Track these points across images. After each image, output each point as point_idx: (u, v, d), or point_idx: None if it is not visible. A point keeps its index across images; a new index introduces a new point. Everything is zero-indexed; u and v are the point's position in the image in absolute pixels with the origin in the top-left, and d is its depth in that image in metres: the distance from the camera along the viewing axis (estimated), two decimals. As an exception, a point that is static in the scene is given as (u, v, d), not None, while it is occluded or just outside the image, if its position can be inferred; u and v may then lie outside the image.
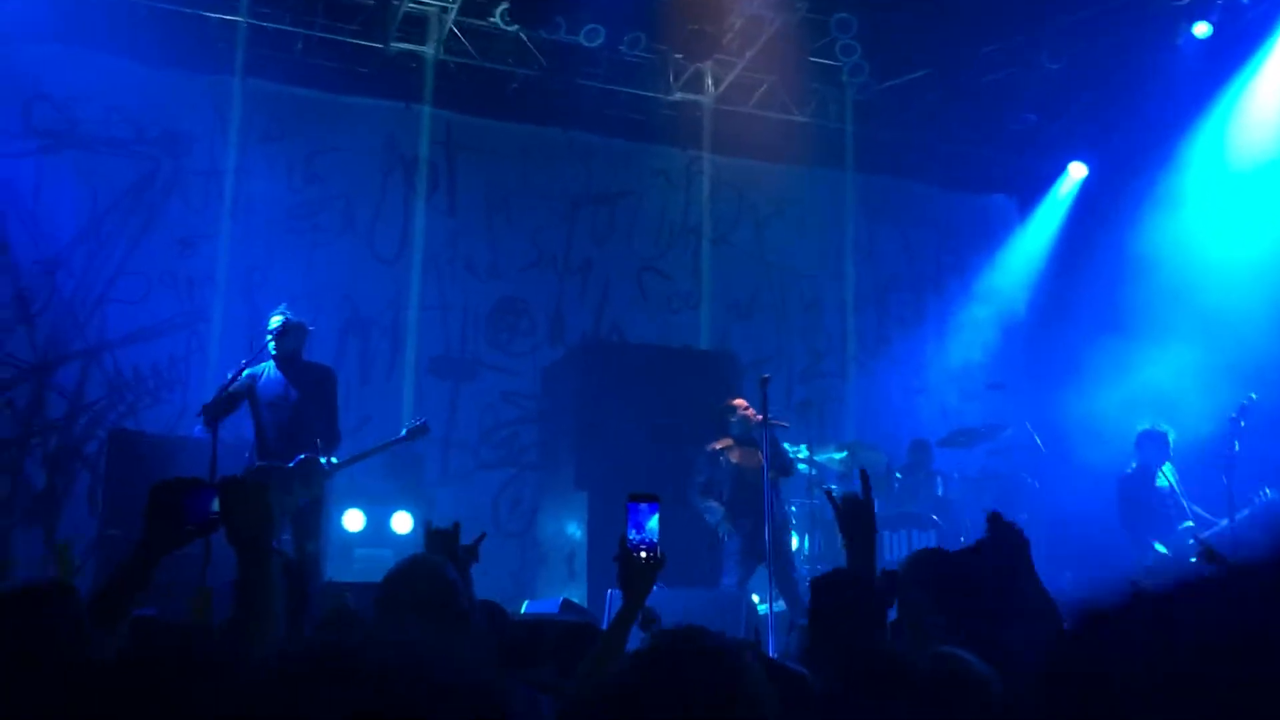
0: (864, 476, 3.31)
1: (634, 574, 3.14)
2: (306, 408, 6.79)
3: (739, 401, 8.22)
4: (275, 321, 6.87)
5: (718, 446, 8.08)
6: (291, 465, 6.56)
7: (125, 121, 9.22)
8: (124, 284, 9.08)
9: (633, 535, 3.15)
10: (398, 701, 0.91)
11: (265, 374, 6.88)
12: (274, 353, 6.84)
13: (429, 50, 9.72)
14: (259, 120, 9.60)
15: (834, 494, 3.31)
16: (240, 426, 7.08)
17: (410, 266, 10.03)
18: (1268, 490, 7.77)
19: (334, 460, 6.75)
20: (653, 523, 3.17)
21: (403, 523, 8.74)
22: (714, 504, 7.92)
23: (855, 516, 3.21)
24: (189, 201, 9.35)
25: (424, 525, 4.05)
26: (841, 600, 3.22)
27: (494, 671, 3.23)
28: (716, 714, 1.42)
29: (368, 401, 9.63)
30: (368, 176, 10.00)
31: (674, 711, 1.46)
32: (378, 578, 6.64)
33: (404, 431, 7.16)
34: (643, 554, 3.14)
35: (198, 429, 7.23)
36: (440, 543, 3.90)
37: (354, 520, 8.68)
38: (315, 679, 0.93)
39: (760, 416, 7.38)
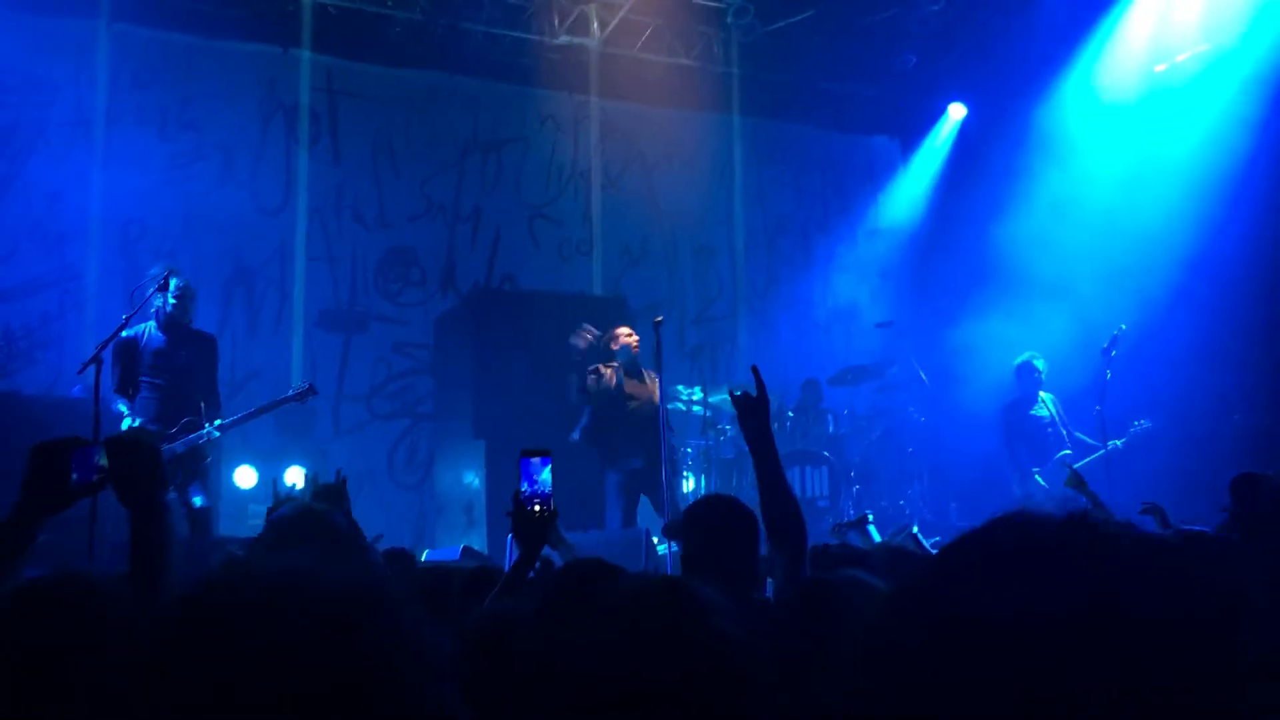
0: (755, 371, 3.43)
1: (528, 526, 3.20)
2: (192, 373, 6.59)
3: (621, 329, 8.09)
4: (172, 282, 6.56)
5: (600, 367, 7.97)
6: (174, 431, 6.38)
7: (-18, 69, 8.76)
8: (-11, 240, 8.68)
9: (525, 488, 3.22)
10: (290, 619, 0.91)
11: (147, 334, 6.62)
12: (161, 314, 6.56)
13: (306, -8, 9.43)
14: (128, 67, 9.21)
15: (734, 393, 3.42)
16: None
17: (295, 217, 9.79)
18: (1143, 421, 8.16)
19: (218, 423, 6.57)
20: (545, 476, 3.24)
21: (296, 478, 8.62)
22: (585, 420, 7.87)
23: (749, 411, 3.31)
24: (55, 153, 8.93)
25: (310, 480, 4.02)
26: (712, 516, 3.35)
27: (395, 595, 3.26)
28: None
29: (255, 355, 9.42)
30: (247, 124, 9.68)
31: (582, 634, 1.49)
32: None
33: (290, 392, 6.96)
34: (536, 507, 3.20)
35: (77, 389, 7.00)
36: (328, 497, 3.89)
37: (246, 477, 8.53)
38: (217, 618, 0.93)
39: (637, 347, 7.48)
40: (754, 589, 3.33)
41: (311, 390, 6.93)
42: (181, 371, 6.54)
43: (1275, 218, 7.94)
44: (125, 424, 6.30)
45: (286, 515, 3.22)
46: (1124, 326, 8.21)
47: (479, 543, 7.73)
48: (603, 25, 10.44)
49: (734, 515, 3.36)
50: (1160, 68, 9.41)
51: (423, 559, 6.53)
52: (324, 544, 3.09)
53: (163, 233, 8.93)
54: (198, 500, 6.38)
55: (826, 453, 9.41)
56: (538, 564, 3.32)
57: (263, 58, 9.76)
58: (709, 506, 3.57)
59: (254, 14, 9.43)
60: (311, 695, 0.88)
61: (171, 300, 6.52)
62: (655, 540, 7.66)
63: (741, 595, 3.08)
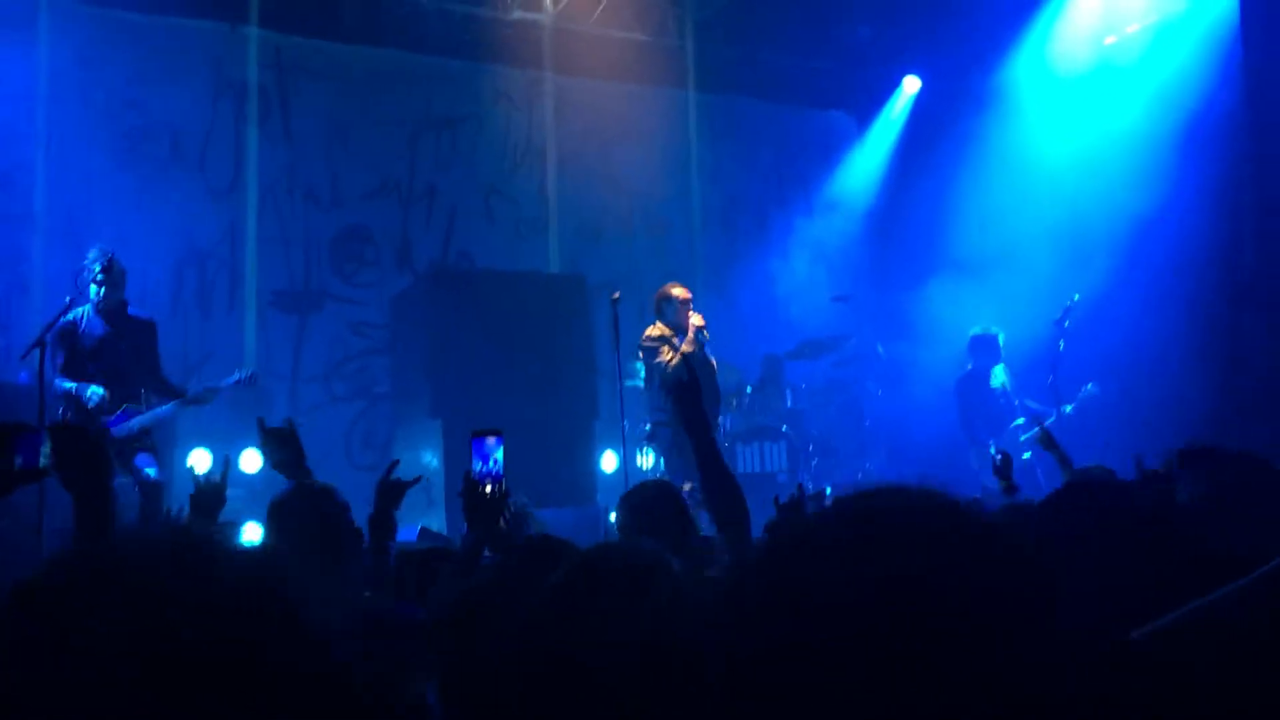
0: (684, 357, 3.50)
1: (479, 506, 3.18)
2: (131, 357, 6.49)
3: (677, 290, 7.92)
4: (97, 265, 6.45)
5: (666, 333, 7.72)
6: (116, 415, 6.29)
7: (-83, 48, 8.55)
8: (-70, 224, 8.49)
9: (478, 468, 3.19)
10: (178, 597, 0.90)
11: (86, 319, 6.52)
12: (96, 299, 6.46)
13: (253, -32, 9.26)
14: (73, 44, 8.99)
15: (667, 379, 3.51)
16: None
17: (246, 197, 9.66)
18: (1090, 385, 8.27)
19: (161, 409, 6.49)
20: (497, 455, 3.21)
21: (252, 461, 8.53)
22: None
23: (681, 394, 3.31)
24: (-2, 134, 8.74)
25: (257, 422, 3.94)
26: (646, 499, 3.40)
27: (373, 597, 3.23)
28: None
29: (209, 337, 9.31)
30: (195, 104, 9.51)
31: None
32: (227, 518, 6.49)
33: (229, 381, 6.85)
34: (488, 486, 3.18)
35: (23, 374, 6.89)
36: (280, 442, 3.81)
37: (200, 460, 8.43)
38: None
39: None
40: (691, 565, 3.38)
41: (253, 379, 6.85)
42: (121, 356, 6.44)
43: (1221, 186, 8.04)
44: (92, 391, 6.19)
45: (286, 499, 3.21)
46: (1077, 297, 8.29)
47: (438, 523, 7.71)
48: (555, 1, 10.35)
49: (663, 498, 3.48)
50: (1110, 40, 9.48)
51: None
52: (320, 534, 3.09)
53: (111, 215, 8.75)
54: (151, 471, 6.30)
55: (785, 427, 9.46)
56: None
57: (210, 34, 9.59)
58: (640, 491, 3.71)
59: (200, -10, 9.26)
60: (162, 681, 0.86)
61: (101, 284, 6.41)
62: (614, 517, 7.66)
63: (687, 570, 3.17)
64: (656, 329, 7.81)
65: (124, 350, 6.47)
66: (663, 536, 3.25)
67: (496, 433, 3.23)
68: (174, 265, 9.27)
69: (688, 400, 3.29)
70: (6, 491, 2.48)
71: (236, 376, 6.85)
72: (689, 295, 7.86)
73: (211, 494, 3.55)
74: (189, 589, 0.89)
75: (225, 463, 3.57)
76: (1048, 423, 7.09)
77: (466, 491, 3.21)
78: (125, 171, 9.06)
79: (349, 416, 9.88)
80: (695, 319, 7.67)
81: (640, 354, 7.84)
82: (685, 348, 7.54)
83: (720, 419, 8.82)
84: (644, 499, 3.53)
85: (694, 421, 3.26)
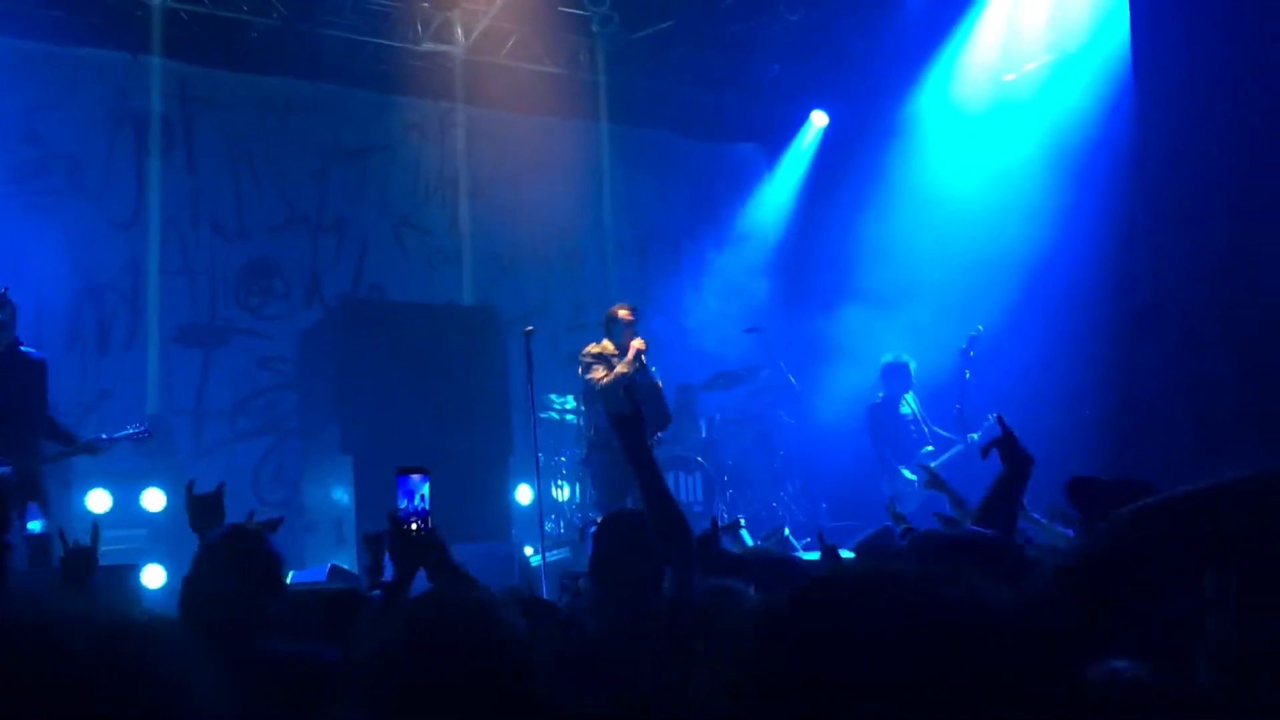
0: (628, 391, 3.49)
1: (405, 546, 3.12)
2: (19, 397, 6.26)
3: (622, 311, 7.95)
4: None
5: (607, 350, 7.77)
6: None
7: None
8: None
9: (404, 505, 3.14)
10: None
11: None
12: None
13: (155, -3, 9.08)
14: (-36, 73, 8.73)
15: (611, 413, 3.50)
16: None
17: (148, 229, 9.42)
18: (993, 415, 8.44)
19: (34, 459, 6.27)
20: (424, 493, 3.17)
21: (155, 500, 8.29)
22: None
23: (625, 426, 3.37)
24: (-116, 164, 8.42)
25: (185, 488, 3.87)
26: (618, 536, 3.39)
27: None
28: (475, 662, 1.48)
29: (106, 374, 9.04)
30: (94, 134, 9.29)
31: (437, 664, 1.50)
32: (128, 560, 6.29)
33: (123, 434, 6.66)
34: (414, 525, 3.13)
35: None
36: (205, 509, 3.75)
37: (99, 501, 8.16)
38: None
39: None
40: (656, 593, 3.38)
41: (148, 433, 6.69)
42: (10, 395, 6.20)
43: (1116, 218, 8.31)
44: None
45: (223, 539, 3.14)
46: (981, 327, 8.49)
47: (348, 561, 7.55)
48: (467, 32, 10.34)
49: (630, 529, 3.43)
50: (1010, 76, 9.77)
51: (289, 580, 6.35)
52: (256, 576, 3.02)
53: (3, 249, 8.47)
54: (35, 525, 6.06)
55: (700, 458, 9.49)
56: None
57: (110, 65, 9.37)
58: (610, 523, 3.65)
59: (100, 19, 9.04)
60: None
61: None
62: (529, 551, 7.60)
63: (641, 600, 3.22)
64: (597, 346, 7.88)
65: (13, 390, 6.23)
66: (629, 565, 3.30)
67: (422, 470, 3.18)
68: (71, 299, 8.99)
69: (629, 431, 3.34)
70: None
71: (130, 430, 6.67)
72: (632, 317, 7.91)
73: (81, 561, 3.38)
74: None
75: (94, 528, 3.43)
76: (938, 461, 7.27)
77: (393, 530, 3.15)
78: (20, 203, 8.79)
79: (257, 453, 9.66)
80: (636, 342, 7.72)
81: (579, 368, 7.87)
82: (621, 367, 7.58)
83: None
84: (612, 529, 3.47)
85: (636, 452, 3.32)
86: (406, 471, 3.18)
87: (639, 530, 3.38)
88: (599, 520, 3.69)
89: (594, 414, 7.89)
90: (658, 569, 3.33)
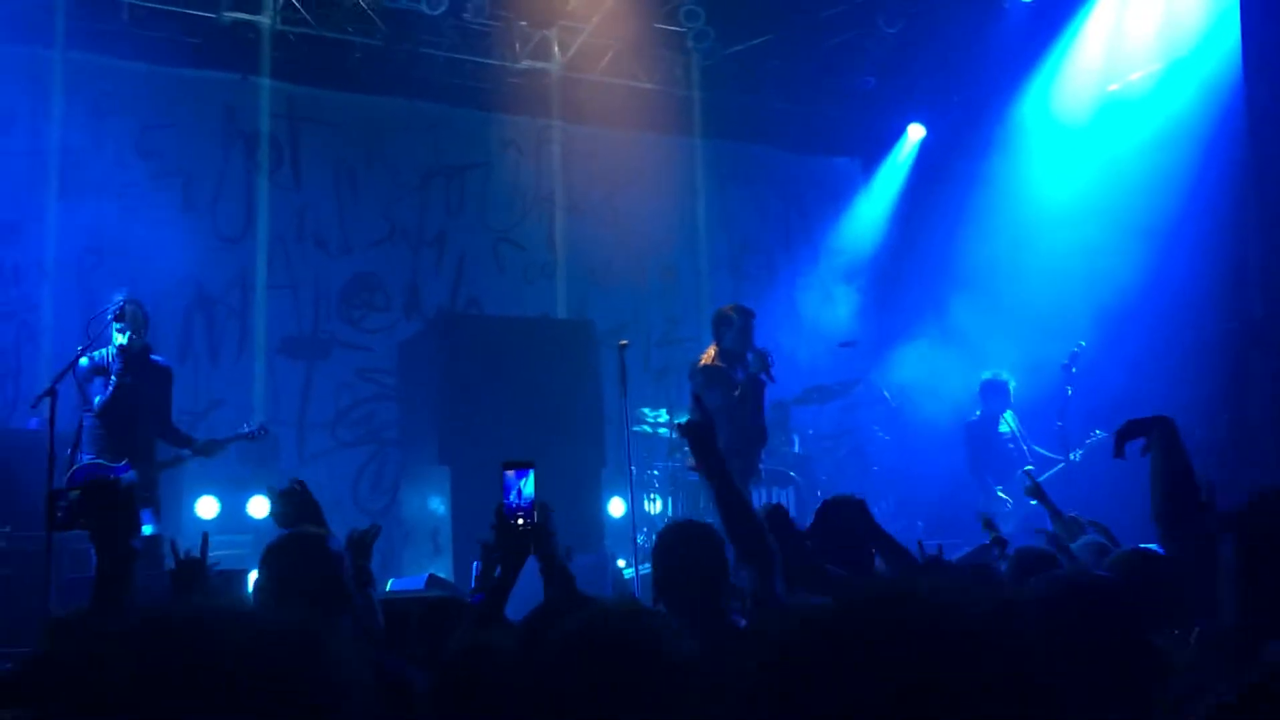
0: (697, 398, 3.44)
1: (511, 541, 3.13)
2: (145, 404, 6.50)
3: (734, 312, 7.48)
4: (120, 308, 6.46)
5: (716, 362, 7.31)
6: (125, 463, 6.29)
7: (-66, 100, 8.66)
8: (-56, 273, 8.56)
9: (512, 501, 3.15)
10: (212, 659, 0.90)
11: (109, 361, 6.51)
12: (124, 344, 6.45)
13: (265, 19, 9.38)
14: (85, 95, 9.12)
15: (679, 423, 3.43)
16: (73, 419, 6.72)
17: (256, 244, 9.72)
18: (1098, 431, 8.24)
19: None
20: (528, 489, 3.17)
21: (260, 508, 8.53)
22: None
23: (695, 437, 3.29)
24: (11, 184, 8.83)
25: (267, 489, 3.87)
26: (677, 542, 3.25)
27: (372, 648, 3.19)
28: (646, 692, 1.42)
29: (218, 384, 9.34)
30: (206, 152, 9.63)
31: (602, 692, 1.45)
32: (235, 565, 6.48)
33: (236, 434, 6.88)
34: (520, 520, 3.13)
35: (33, 421, 6.91)
36: (294, 505, 3.75)
37: (208, 507, 8.43)
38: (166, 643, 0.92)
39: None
40: (723, 608, 3.27)
41: (263, 430, 6.89)
42: (135, 402, 6.44)
43: (1225, 229, 8.05)
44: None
45: (280, 544, 3.07)
46: (1083, 343, 8.29)
47: (445, 570, 7.68)
48: (564, 50, 10.46)
49: (697, 540, 3.26)
50: (1114, 87, 9.55)
51: (388, 588, 6.49)
52: (316, 583, 2.94)
53: (120, 263, 8.81)
54: (147, 529, 6.27)
55: (793, 473, 9.42)
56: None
57: (221, 85, 9.71)
58: (675, 533, 3.47)
59: (211, 41, 9.37)
60: None
61: (122, 329, 6.42)
62: (621, 564, 7.63)
63: (709, 618, 3.07)
64: (708, 358, 7.47)
65: (138, 396, 6.48)
66: (698, 579, 3.12)
67: (528, 465, 3.18)
68: (183, 312, 9.32)
69: (700, 440, 3.29)
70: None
71: (245, 429, 6.88)
72: (745, 321, 7.50)
73: (191, 571, 3.42)
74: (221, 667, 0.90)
75: (204, 539, 3.48)
76: (1040, 479, 7.10)
77: (499, 525, 3.14)
78: (136, 219, 9.14)
79: (357, 462, 9.88)
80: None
81: (695, 384, 7.34)
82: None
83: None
84: (677, 540, 3.25)
85: (709, 462, 3.27)
86: (511, 466, 3.18)
87: (702, 536, 3.24)
88: (659, 533, 3.48)
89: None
90: (719, 580, 3.16)
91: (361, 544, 3.66)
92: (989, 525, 4.76)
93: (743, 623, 3.18)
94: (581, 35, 10.25)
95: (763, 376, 7.34)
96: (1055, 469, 8.22)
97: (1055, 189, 9.50)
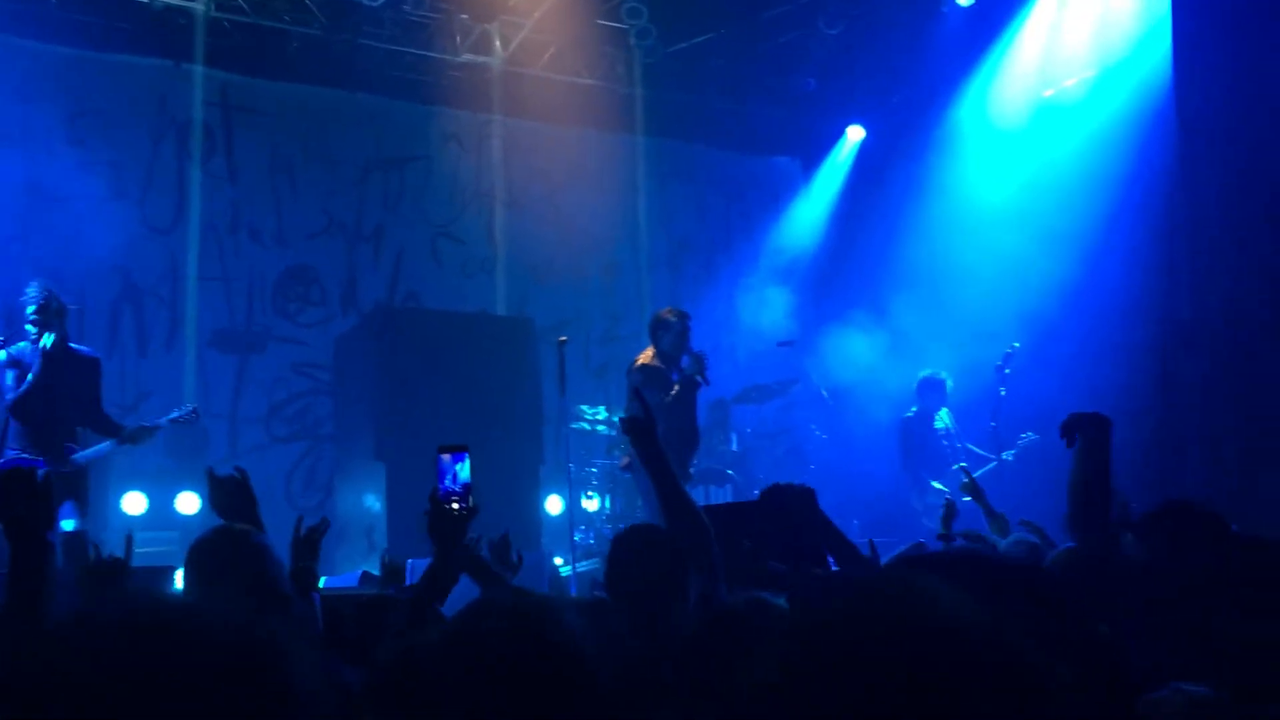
0: (639, 395, 3.44)
1: (445, 525, 3.07)
2: (69, 395, 6.33)
3: (672, 315, 7.46)
4: (37, 301, 6.29)
5: (655, 363, 7.29)
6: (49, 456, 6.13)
7: None
8: None
9: (446, 484, 3.10)
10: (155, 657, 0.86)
11: (22, 357, 6.34)
12: (35, 335, 6.29)
13: (198, 6, 9.18)
14: (10, 80, 8.86)
15: (620, 418, 3.42)
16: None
17: (188, 235, 9.53)
18: (1029, 433, 8.36)
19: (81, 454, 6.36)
20: (463, 472, 3.12)
21: (189, 503, 8.37)
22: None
23: (637, 432, 3.31)
24: (-68, 169, 8.56)
25: (205, 473, 3.74)
26: (636, 550, 3.23)
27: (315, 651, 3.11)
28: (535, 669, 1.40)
29: (146, 376, 9.15)
30: (136, 140, 9.42)
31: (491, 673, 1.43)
32: (162, 562, 6.34)
33: (168, 419, 6.69)
34: (454, 504, 3.08)
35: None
36: (229, 493, 3.61)
37: (135, 503, 8.25)
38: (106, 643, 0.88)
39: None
40: (677, 608, 3.24)
41: (194, 413, 6.73)
42: (57, 394, 6.28)
43: (1154, 234, 8.22)
44: None
45: (207, 539, 2.95)
46: (1017, 344, 8.41)
47: (379, 568, 7.57)
48: (505, 44, 10.38)
49: (649, 544, 3.23)
50: (1049, 92, 9.70)
51: (320, 586, 6.38)
52: (248, 579, 2.82)
53: (47, 252, 8.58)
54: (69, 524, 6.11)
55: (730, 471, 9.46)
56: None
57: (154, 72, 9.50)
58: (627, 536, 3.43)
59: (144, 28, 9.16)
60: None
61: (37, 322, 6.25)
62: (559, 561, 7.60)
63: (659, 617, 3.03)
64: (645, 358, 7.48)
65: (60, 386, 6.31)
66: (648, 579, 3.06)
67: (463, 448, 3.13)
68: (110, 303, 9.11)
69: (642, 435, 3.30)
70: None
71: (175, 414, 6.71)
72: (683, 323, 7.52)
73: (108, 570, 3.27)
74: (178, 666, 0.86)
75: (129, 540, 3.35)
76: (978, 474, 7.18)
77: (433, 510, 3.08)
78: (63, 208, 8.90)
79: (291, 458, 9.73)
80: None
81: (633, 384, 7.25)
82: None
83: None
84: (629, 543, 3.20)
85: (650, 457, 3.27)
86: (446, 450, 3.14)
87: (659, 541, 3.21)
88: (616, 535, 3.44)
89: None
90: (680, 582, 3.13)
91: (308, 542, 3.54)
92: (971, 488, 4.88)
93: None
94: (523, 30, 10.18)
95: (698, 379, 7.36)
96: (988, 467, 8.33)
97: (991, 192, 9.63)
